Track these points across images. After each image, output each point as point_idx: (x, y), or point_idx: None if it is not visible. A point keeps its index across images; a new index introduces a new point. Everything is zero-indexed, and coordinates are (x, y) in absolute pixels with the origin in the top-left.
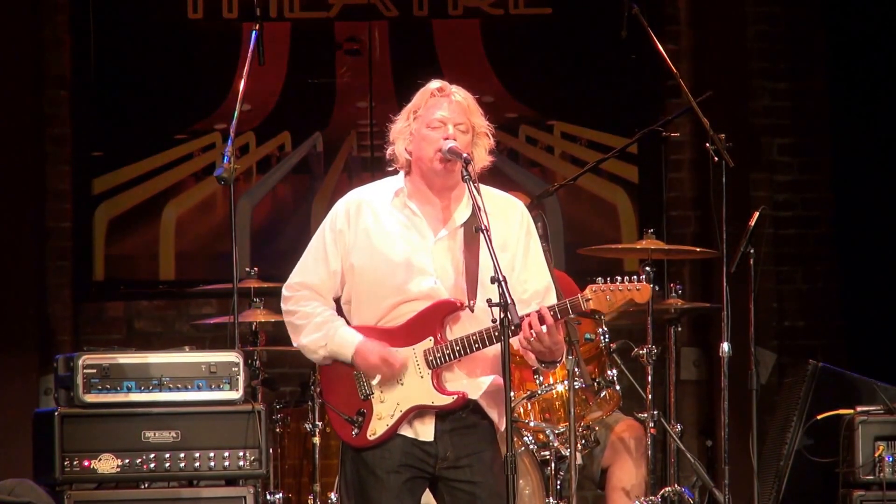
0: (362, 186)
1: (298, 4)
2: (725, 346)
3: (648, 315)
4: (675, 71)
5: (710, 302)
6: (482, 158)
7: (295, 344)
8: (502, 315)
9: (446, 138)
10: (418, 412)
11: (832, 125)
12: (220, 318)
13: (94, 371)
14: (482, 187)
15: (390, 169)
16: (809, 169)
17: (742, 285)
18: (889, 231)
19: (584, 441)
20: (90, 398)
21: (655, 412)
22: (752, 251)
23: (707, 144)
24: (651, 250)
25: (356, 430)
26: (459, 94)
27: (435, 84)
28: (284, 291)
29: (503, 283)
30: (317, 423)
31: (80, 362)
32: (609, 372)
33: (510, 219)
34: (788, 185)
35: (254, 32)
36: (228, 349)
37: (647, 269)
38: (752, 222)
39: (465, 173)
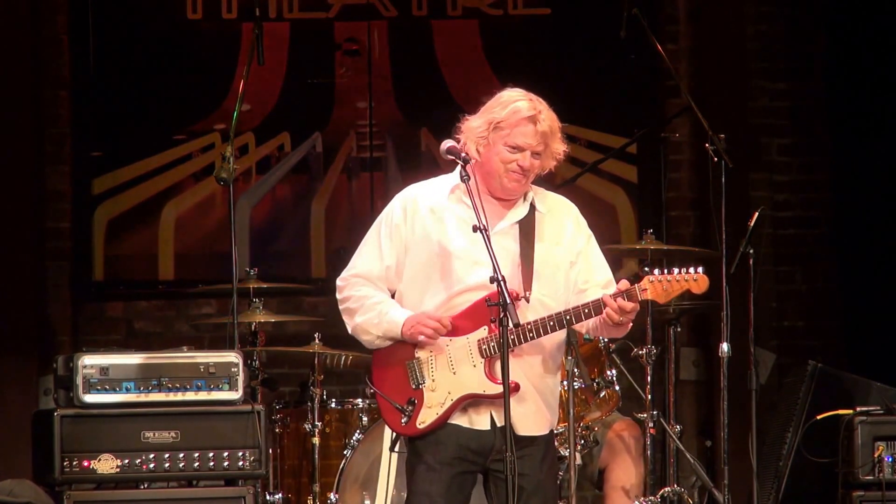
0: (417, 183)
1: (298, 5)
2: (725, 347)
3: (648, 315)
4: (674, 71)
5: (709, 302)
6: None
7: (350, 328)
8: (502, 315)
9: (519, 164)
10: (473, 401)
11: (831, 125)
12: (220, 319)
13: (94, 371)
14: (539, 189)
15: (450, 157)
16: (809, 169)
17: (741, 285)
18: (889, 231)
19: (583, 441)
20: (90, 398)
21: (655, 412)
22: (751, 251)
23: (706, 144)
24: (650, 251)
25: (405, 419)
26: (547, 121)
27: (528, 111)
28: (339, 282)
29: (503, 284)
30: (316, 423)
31: (80, 363)
32: (608, 372)
33: (563, 218)
34: (788, 185)
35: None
36: (228, 349)
37: (647, 269)
38: (752, 222)
39: (463, 174)
